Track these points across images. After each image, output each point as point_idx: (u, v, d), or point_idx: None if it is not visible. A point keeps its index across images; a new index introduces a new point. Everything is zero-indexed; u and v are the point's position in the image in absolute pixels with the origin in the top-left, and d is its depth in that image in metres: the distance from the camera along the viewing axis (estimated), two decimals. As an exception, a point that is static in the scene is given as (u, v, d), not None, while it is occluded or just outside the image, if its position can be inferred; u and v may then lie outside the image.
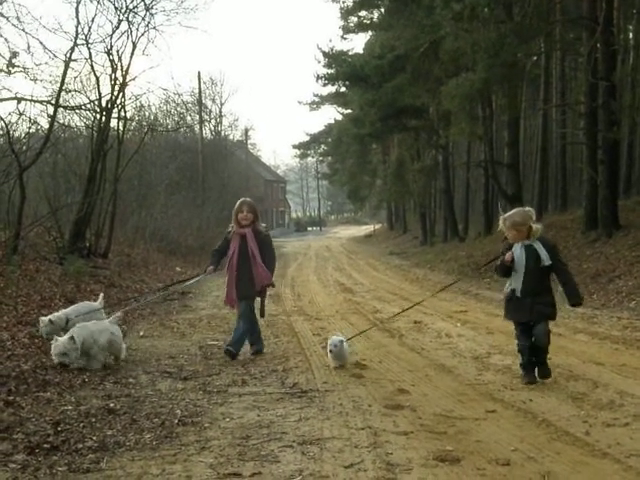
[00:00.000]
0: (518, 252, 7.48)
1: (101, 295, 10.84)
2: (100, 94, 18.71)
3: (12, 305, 11.04)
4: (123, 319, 12.44)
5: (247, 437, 5.66)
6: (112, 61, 18.64)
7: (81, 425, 5.95)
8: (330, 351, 8.38)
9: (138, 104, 26.75)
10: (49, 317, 9.44)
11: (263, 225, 9.88)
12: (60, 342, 8.14)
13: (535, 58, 31.22)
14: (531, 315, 7.48)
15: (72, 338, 8.13)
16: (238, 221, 9.51)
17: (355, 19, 48.85)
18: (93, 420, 6.10)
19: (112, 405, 6.63)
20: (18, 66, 15.65)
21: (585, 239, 21.29)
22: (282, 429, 5.88)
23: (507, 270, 7.56)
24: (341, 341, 8.42)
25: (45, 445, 5.37)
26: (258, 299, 9.87)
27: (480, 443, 5.44)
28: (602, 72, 20.84)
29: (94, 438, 5.59)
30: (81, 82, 20.27)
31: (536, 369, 7.56)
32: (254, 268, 9.44)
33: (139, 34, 19.25)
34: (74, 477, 4.76)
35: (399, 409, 6.55)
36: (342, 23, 49.44)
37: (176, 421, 6.13)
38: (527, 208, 7.78)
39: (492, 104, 33.11)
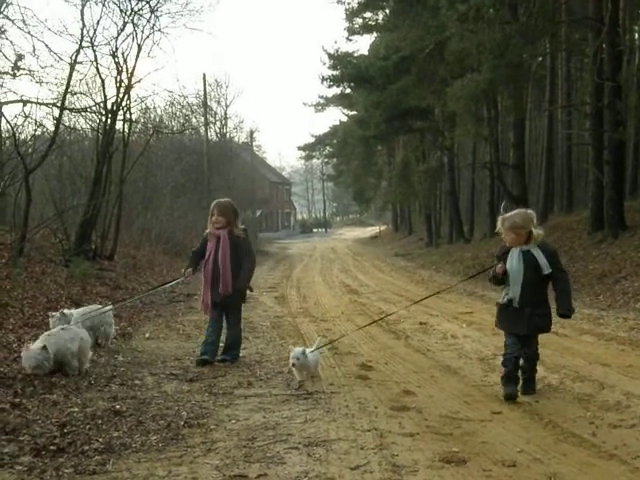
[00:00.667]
0: (515, 258, 6.89)
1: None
2: (105, 96, 18.77)
3: (18, 307, 11.06)
4: (129, 320, 12.48)
5: (253, 439, 5.66)
6: (117, 63, 18.69)
7: (87, 427, 5.95)
8: (293, 365, 7.86)
9: (143, 106, 26.83)
10: (61, 311, 9.31)
11: (242, 227, 9.28)
12: (32, 352, 7.77)
13: (540, 59, 31.24)
14: (528, 328, 6.93)
15: (45, 348, 7.82)
16: (212, 225, 9.09)
17: (360, 20, 48.78)
18: (99, 422, 6.10)
19: (118, 407, 6.62)
20: (24, 69, 15.71)
21: (591, 240, 21.27)
22: (288, 431, 5.87)
23: (500, 281, 7.07)
24: (303, 352, 7.90)
25: (51, 447, 5.37)
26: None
27: (486, 444, 5.43)
28: (608, 72, 20.83)
29: (100, 440, 5.59)
30: (86, 84, 20.40)
31: (520, 384, 7.03)
32: (221, 275, 8.93)
33: (144, 36, 19.32)
34: (80, 479, 4.76)
35: (405, 411, 6.55)
36: (347, 24, 49.38)
37: (182, 423, 6.13)
38: (529, 210, 7.09)
39: (497, 105, 33.13)
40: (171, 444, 5.56)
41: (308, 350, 8.07)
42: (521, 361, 7.03)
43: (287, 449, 5.37)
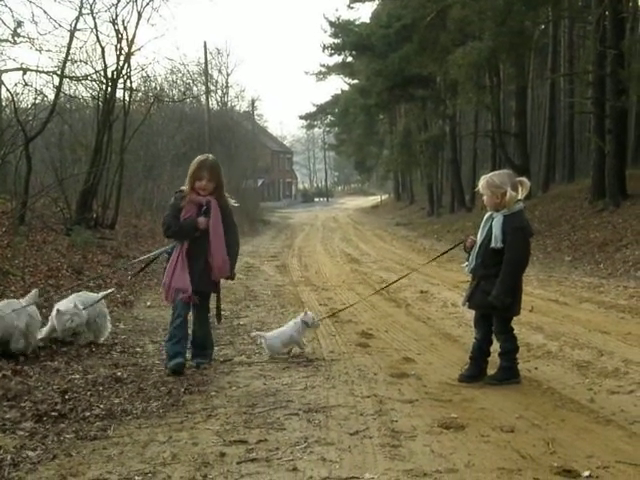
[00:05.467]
0: (482, 224, 6.33)
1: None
2: (106, 64, 18.62)
3: (20, 275, 11.08)
4: (130, 289, 12.51)
5: (253, 405, 5.69)
6: (117, 31, 18.52)
7: (88, 393, 5.98)
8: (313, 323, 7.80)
9: (144, 74, 26.61)
10: (72, 306, 7.91)
11: (232, 201, 7.43)
12: None
13: (543, 26, 31.07)
14: (470, 300, 6.42)
15: None
16: (195, 190, 7.08)
17: (362, -12, 48.47)
18: (100, 389, 6.14)
19: (119, 374, 6.66)
20: (23, 36, 15.60)
21: (592, 209, 21.30)
22: (288, 397, 5.91)
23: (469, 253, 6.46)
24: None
25: (53, 413, 5.41)
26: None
27: (484, 410, 5.46)
28: (610, 40, 20.72)
29: (101, 406, 5.63)
30: (86, 52, 20.25)
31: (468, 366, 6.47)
32: (215, 253, 7.07)
33: (144, 3, 19.10)
34: (81, 444, 4.80)
35: (404, 377, 6.59)
36: (349, -8, 49.02)
37: (182, 390, 6.16)
38: (518, 177, 6.37)
39: (499, 73, 33.00)
40: (171, 410, 5.59)
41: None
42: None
43: (287, 415, 5.40)
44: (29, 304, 7.61)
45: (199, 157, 7.27)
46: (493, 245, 6.08)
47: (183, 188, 7.16)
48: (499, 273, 6.10)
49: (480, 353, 6.42)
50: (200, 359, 7.23)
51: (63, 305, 7.95)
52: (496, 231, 6.08)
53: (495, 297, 6.08)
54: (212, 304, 7.60)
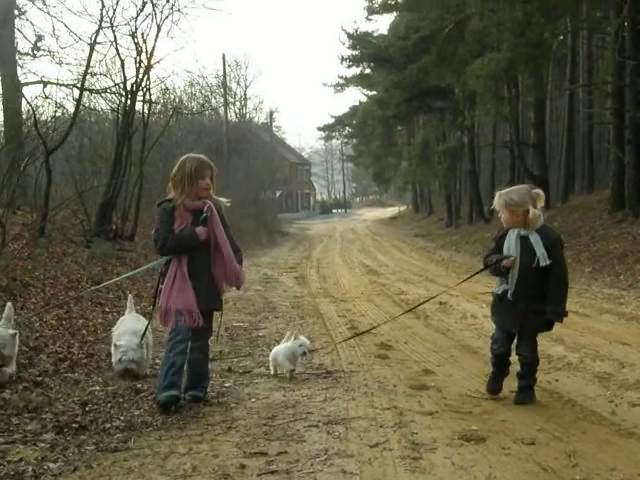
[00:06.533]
0: (513, 244, 5.96)
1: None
2: (125, 77, 18.74)
3: (40, 287, 11.14)
4: (149, 300, 12.54)
5: (273, 417, 5.69)
6: (137, 44, 18.65)
7: (109, 405, 6.01)
8: (304, 353, 7.12)
9: (163, 87, 26.80)
10: (132, 341, 7.15)
11: (224, 200, 6.61)
12: None
13: (561, 37, 30.95)
14: (522, 326, 5.97)
15: None
16: (196, 191, 6.23)
17: (380, 0, 48.48)
18: (120, 400, 6.16)
19: (139, 386, 6.67)
20: (44, 49, 15.76)
21: (612, 220, 21.16)
22: (307, 409, 5.90)
23: (501, 274, 6.09)
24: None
25: (73, 425, 5.43)
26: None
27: (505, 423, 5.43)
28: (629, 51, 20.64)
29: (121, 418, 5.65)
30: (106, 65, 20.39)
31: (516, 389, 6.10)
32: (228, 263, 6.31)
33: (163, 16, 19.21)
34: (102, 456, 4.81)
35: (424, 389, 6.56)
36: (366, 4, 49.00)
37: (202, 402, 6.17)
38: (535, 190, 6.10)
39: (518, 84, 32.96)
40: (191, 422, 5.60)
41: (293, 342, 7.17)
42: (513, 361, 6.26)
43: (307, 427, 5.39)
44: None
45: (190, 155, 6.41)
46: (543, 264, 5.80)
47: (170, 197, 6.30)
48: (545, 291, 5.89)
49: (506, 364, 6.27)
50: (196, 392, 6.22)
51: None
52: (539, 249, 5.82)
53: (557, 314, 5.95)
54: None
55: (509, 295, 5.97)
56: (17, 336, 6.86)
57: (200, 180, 6.21)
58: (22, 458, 4.73)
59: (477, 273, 7.29)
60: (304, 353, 7.12)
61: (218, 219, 6.31)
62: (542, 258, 5.81)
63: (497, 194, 6.12)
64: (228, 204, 6.57)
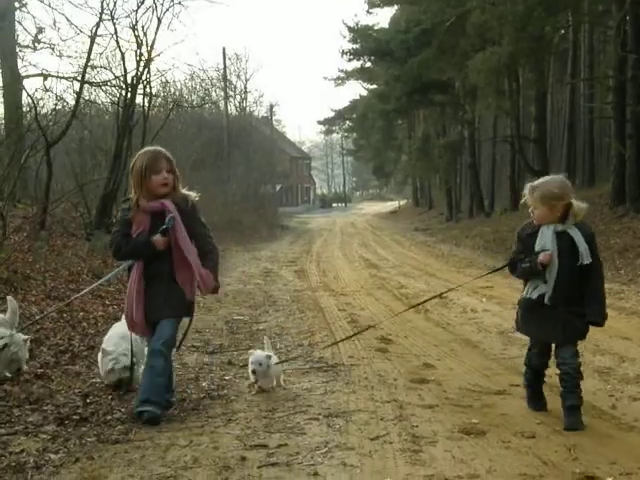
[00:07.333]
0: (549, 241, 5.27)
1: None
2: (125, 70, 18.73)
3: (40, 280, 11.16)
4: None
5: (273, 410, 5.70)
6: (137, 37, 18.63)
7: (109, 397, 6.02)
8: (253, 371, 6.21)
9: (163, 80, 26.80)
10: (122, 346, 6.35)
11: (191, 194, 5.86)
12: None
13: (563, 31, 30.91)
14: (565, 335, 5.28)
15: None
16: (151, 188, 5.59)
17: (380, -7, 48.37)
18: (121, 392, 6.16)
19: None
20: (44, 42, 15.73)
21: (613, 214, 21.17)
22: (308, 402, 5.91)
23: (536, 275, 5.35)
24: (268, 356, 6.29)
25: (74, 416, 5.45)
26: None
27: (505, 416, 5.44)
28: (631, 44, 20.64)
29: (122, 410, 5.66)
30: (107, 58, 20.35)
31: (563, 413, 5.28)
32: (195, 270, 5.62)
33: (164, 9, 19.21)
34: (103, 447, 4.82)
35: (424, 383, 6.57)
36: (367, -3, 48.95)
37: (202, 394, 6.19)
38: (566, 179, 5.47)
39: (519, 78, 32.93)
40: (192, 415, 5.62)
41: (273, 359, 6.38)
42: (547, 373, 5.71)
43: (307, 420, 5.41)
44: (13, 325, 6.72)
45: (143, 150, 5.92)
46: (586, 261, 5.20)
47: (131, 196, 5.73)
48: (581, 292, 5.32)
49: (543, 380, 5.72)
50: (151, 407, 5.37)
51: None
52: (582, 246, 5.19)
53: (599, 315, 5.40)
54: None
55: (546, 299, 5.29)
56: (29, 341, 6.81)
57: (154, 175, 5.54)
58: (23, 449, 4.75)
59: (497, 270, 6.69)
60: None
61: (182, 227, 5.59)
62: (585, 255, 5.20)
63: (528, 186, 5.44)
64: (197, 198, 5.84)
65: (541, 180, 5.43)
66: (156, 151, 5.72)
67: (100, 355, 6.48)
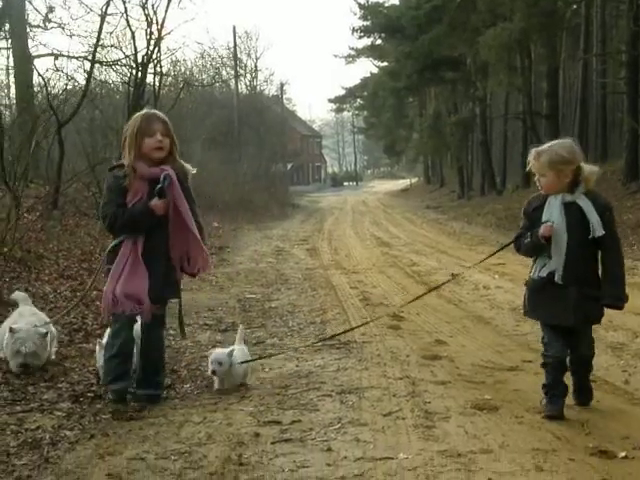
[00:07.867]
0: (556, 213, 4.79)
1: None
2: (136, 49, 18.75)
3: (53, 259, 11.21)
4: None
5: (286, 387, 5.72)
6: (147, 15, 18.64)
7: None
8: (213, 372, 5.62)
9: (174, 59, 26.85)
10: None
11: (188, 166, 5.52)
12: None
13: (575, 6, 30.60)
14: (577, 316, 4.77)
15: None
16: (145, 152, 5.18)
17: (391, -31, 48.04)
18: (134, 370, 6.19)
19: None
20: (55, 21, 15.73)
21: (625, 190, 21.07)
22: (321, 379, 5.93)
23: (540, 250, 4.90)
24: (229, 353, 5.65)
25: (89, 394, 5.49)
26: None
27: (518, 392, 5.45)
28: (644, 19, 20.43)
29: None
30: (117, 38, 20.37)
31: (574, 392, 5.03)
32: (193, 243, 5.36)
33: (174, -13, 19.19)
34: (118, 424, 4.86)
35: (437, 359, 6.58)
36: (378, -27, 48.61)
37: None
38: (575, 143, 5.01)
39: (531, 54, 32.68)
40: (205, 392, 5.66)
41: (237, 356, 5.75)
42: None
43: (320, 396, 5.42)
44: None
45: (138, 113, 5.49)
46: (598, 234, 4.68)
47: (122, 162, 5.27)
48: (596, 272, 4.88)
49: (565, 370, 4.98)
50: (151, 390, 5.42)
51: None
52: (593, 217, 4.69)
53: (616, 297, 4.83)
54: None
55: (557, 277, 4.79)
56: (49, 334, 6.23)
57: (147, 138, 5.12)
58: (39, 426, 4.79)
59: (500, 249, 6.03)
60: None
61: (179, 189, 5.22)
62: (597, 226, 4.68)
63: (533, 152, 4.98)
64: (194, 171, 5.50)
65: (548, 144, 4.98)
66: (149, 112, 5.38)
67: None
